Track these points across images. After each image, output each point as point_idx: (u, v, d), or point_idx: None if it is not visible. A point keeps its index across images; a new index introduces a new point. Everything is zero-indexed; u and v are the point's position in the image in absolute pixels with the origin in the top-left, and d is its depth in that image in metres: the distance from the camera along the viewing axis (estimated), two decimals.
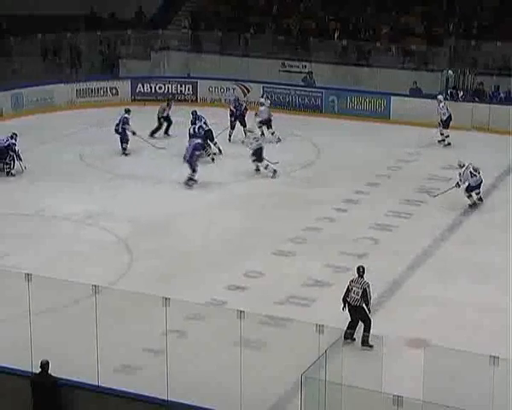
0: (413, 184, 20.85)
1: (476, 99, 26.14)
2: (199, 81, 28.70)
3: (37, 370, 11.24)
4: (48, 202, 19.41)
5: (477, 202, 19.13)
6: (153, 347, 12.65)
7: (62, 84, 27.74)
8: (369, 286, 13.17)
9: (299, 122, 26.11)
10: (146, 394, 11.23)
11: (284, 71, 29.18)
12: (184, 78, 28.92)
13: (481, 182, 19.03)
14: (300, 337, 11.59)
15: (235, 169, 21.90)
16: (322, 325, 11.08)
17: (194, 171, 20.50)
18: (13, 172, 21.29)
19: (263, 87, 27.77)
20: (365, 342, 13.09)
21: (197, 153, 20.70)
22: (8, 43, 28.27)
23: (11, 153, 21.25)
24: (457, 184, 18.95)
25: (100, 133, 24.58)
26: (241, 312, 11.06)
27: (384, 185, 20.93)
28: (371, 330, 13.10)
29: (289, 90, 27.84)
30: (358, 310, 13.15)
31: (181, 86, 28.63)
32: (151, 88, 28.75)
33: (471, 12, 29.24)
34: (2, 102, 26.58)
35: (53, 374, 11.21)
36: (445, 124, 23.90)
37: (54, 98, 27.26)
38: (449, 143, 23.85)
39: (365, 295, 13.14)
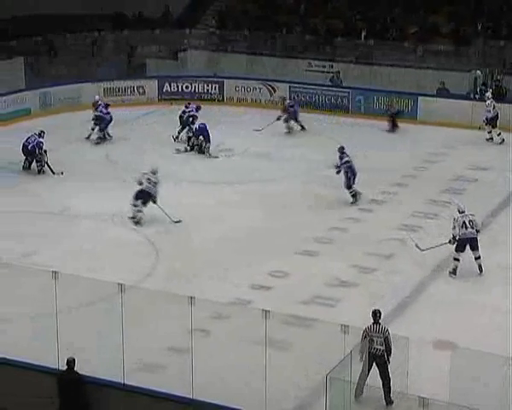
0: (439, 184, 20.74)
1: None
2: (225, 81, 28.72)
3: (64, 367, 11.31)
4: (73, 201, 19.52)
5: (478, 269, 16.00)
6: (177, 346, 12.68)
7: (90, 84, 27.89)
8: (389, 333, 11.79)
9: (325, 122, 26.06)
10: (171, 392, 11.26)
11: (311, 70, 29.13)
12: (211, 77, 28.98)
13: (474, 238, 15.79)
14: (325, 338, 11.58)
15: (261, 168, 21.91)
16: (347, 326, 11.06)
17: None
18: (44, 169, 21.45)
19: (289, 87, 27.75)
20: (388, 401, 11.58)
21: None
22: (37, 42, 28.50)
23: (38, 151, 21.40)
24: (452, 240, 15.81)
25: (125, 132, 24.69)
26: (266, 311, 11.05)
27: (410, 186, 20.85)
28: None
29: (316, 89, 27.79)
30: (382, 363, 11.70)
31: (207, 86, 28.68)
32: (178, 87, 28.82)
33: (499, 11, 29.03)
34: (31, 101, 26.78)
35: (79, 371, 11.28)
36: (490, 122, 23.86)
37: (81, 97, 27.41)
38: (503, 140, 23.72)
39: (387, 344, 11.73)
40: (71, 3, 31.81)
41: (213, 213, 18.88)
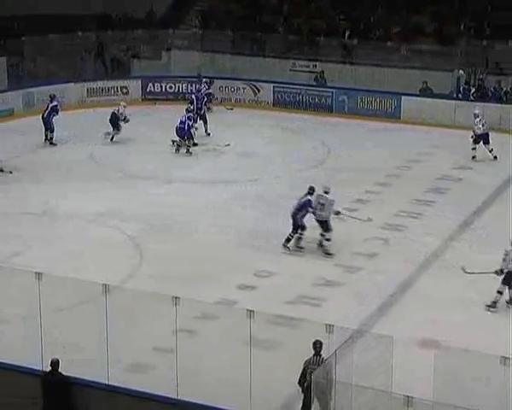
0: (423, 184, 20.82)
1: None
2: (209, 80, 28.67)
3: (48, 368, 11.27)
4: (57, 201, 19.45)
5: None
6: (163, 346, 12.65)
7: (73, 84, 27.81)
8: (332, 366, 10.90)
9: (309, 122, 26.09)
10: (156, 393, 11.24)
11: (294, 70, 29.17)
12: (195, 77, 28.96)
13: None
14: (310, 337, 11.56)
15: (247, 168, 21.91)
16: (333, 325, 11.06)
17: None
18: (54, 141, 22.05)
19: (273, 87, 27.79)
20: None
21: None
22: (21, 43, 28.37)
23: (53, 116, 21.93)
24: (500, 271, 14.73)
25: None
26: (250, 311, 11.05)
27: (394, 185, 20.92)
28: None
29: (300, 89, 27.84)
30: (323, 397, 10.93)
31: (191, 86, 28.67)
32: (161, 87, 28.80)
33: (482, 11, 29.16)
34: (14, 101, 26.67)
35: (63, 373, 11.23)
36: (478, 139, 22.60)
37: (64, 98, 27.31)
38: (495, 157, 22.53)
39: (329, 378, 10.85)
40: (54, 4, 31.65)
41: (199, 213, 18.88)
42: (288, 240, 16.98)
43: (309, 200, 16.86)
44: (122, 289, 13.43)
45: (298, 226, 16.94)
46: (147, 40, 30.90)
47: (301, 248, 17.02)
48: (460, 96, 26.67)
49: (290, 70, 29.19)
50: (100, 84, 28.38)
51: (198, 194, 20.19)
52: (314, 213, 16.86)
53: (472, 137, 22.70)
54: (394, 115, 26.59)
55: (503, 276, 14.63)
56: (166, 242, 17.34)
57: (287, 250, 16.94)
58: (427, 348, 12.55)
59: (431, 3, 30.03)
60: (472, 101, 26.03)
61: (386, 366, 11.44)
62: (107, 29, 30.62)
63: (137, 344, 13.07)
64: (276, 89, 27.75)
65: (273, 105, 27.68)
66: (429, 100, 26.34)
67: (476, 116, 22.62)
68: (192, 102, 24.47)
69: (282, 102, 27.21)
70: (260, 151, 23.00)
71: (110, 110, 24.56)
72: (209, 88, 26.77)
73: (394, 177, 21.53)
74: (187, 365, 11.60)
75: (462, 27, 28.91)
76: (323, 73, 28.45)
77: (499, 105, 25.64)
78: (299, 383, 11.21)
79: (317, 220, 16.94)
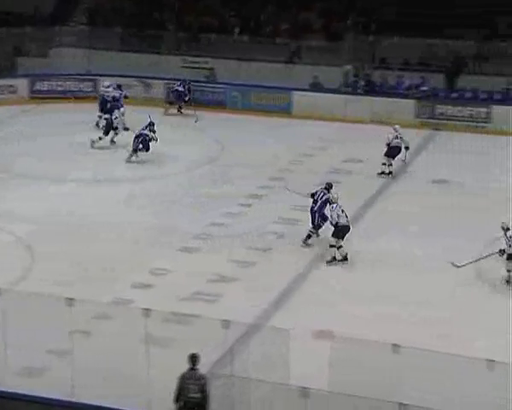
0: (315, 177, 21.06)
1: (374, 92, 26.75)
2: (99, 78, 28.31)
3: None
4: None
5: None
6: (57, 348, 12.42)
7: None
8: (207, 381, 10.74)
9: (202, 118, 26.08)
10: (51, 396, 11.05)
11: (186, 67, 29.09)
12: (84, 75, 28.52)
13: None
14: (207, 333, 11.58)
15: (140, 166, 21.73)
16: (229, 321, 11.12)
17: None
18: None
19: (164, 83, 27.65)
20: None
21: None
22: None
23: None
24: (502, 251, 15.49)
25: None
26: (146, 310, 10.99)
27: (287, 180, 21.11)
28: None
29: (192, 86, 27.75)
30: None
31: (81, 83, 28.22)
32: (50, 86, 28.25)
33: (369, 8, 29.74)
34: None
35: None
36: (390, 153, 21.40)
37: None
38: (390, 172, 21.28)
39: (204, 392, 10.70)
40: None
41: (93, 213, 18.62)
42: (308, 237, 17.05)
43: (328, 197, 17.01)
44: (13, 292, 13.12)
45: (317, 223, 17.01)
46: (34, 37, 30.22)
47: (308, 245, 17.04)
48: (349, 90, 27.19)
49: (182, 67, 29.11)
50: None
51: (91, 193, 19.91)
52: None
53: (384, 150, 21.43)
54: (286, 110, 26.85)
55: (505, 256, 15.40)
56: (59, 242, 17.03)
57: (306, 247, 16.97)
58: (322, 340, 12.67)
59: (319, 0, 30.47)
60: (360, 95, 26.56)
61: (283, 359, 11.58)
62: None
63: (31, 347, 12.78)
64: (167, 86, 27.62)
65: (167, 102, 27.55)
66: (319, 95, 26.73)
67: (396, 130, 21.63)
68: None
69: (175, 99, 27.04)
70: (154, 148, 22.84)
71: None
72: (184, 89, 26.47)
73: (287, 171, 21.74)
74: (83, 366, 11.43)
75: (349, 23, 29.43)
76: (213, 69, 28.53)
77: (386, 99, 26.24)
78: (176, 400, 10.78)
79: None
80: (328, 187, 17.46)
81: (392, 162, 21.33)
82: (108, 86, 25.05)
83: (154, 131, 21.78)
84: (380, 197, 19.92)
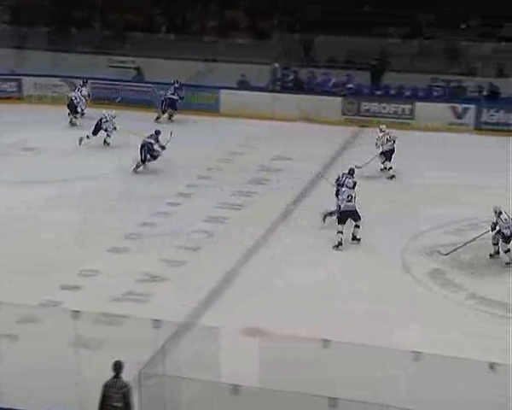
0: (244, 175, 21.22)
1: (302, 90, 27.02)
2: (23, 78, 27.93)
3: None
4: None
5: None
6: None
7: None
8: (129, 389, 10.62)
9: (130, 118, 25.92)
10: None
11: (112, 66, 28.90)
12: (8, 75, 28.08)
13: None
14: (137, 333, 11.56)
15: (68, 167, 21.55)
16: (159, 320, 11.11)
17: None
18: None
19: (91, 83, 27.41)
20: None
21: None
22: None
23: None
24: (494, 229, 16.43)
25: None
26: (75, 311, 10.91)
27: (216, 178, 21.19)
28: None
29: (118, 85, 27.61)
30: None
31: (5, 84, 27.79)
32: None
33: (294, 6, 29.98)
34: None
35: None
36: (386, 156, 21.30)
37: None
38: (393, 176, 21.22)
39: (126, 401, 10.54)
40: None
41: (19, 214, 18.38)
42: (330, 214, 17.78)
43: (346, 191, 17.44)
44: None
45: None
46: None
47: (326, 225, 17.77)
48: (277, 88, 27.40)
49: (108, 66, 28.90)
50: None
51: (18, 194, 19.63)
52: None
53: (381, 156, 21.34)
54: (214, 109, 26.90)
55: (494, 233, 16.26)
56: None
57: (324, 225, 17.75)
58: (253, 337, 12.74)
59: None
60: (289, 93, 26.78)
61: (214, 357, 11.65)
62: None
63: None
64: (93, 85, 27.39)
65: (92, 101, 27.33)
66: (247, 93, 26.87)
67: (381, 131, 21.56)
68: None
69: (101, 99, 26.87)
70: (82, 149, 22.68)
71: None
72: (174, 93, 26.10)
73: (216, 170, 21.80)
74: (10, 370, 11.28)
75: (274, 22, 29.64)
76: (139, 68, 28.41)
77: (313, 96, 26.51)
78: (99, 409, 10.59)
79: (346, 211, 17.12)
80: (352, 172, 17.99)
81: (392, 164, 21.23)
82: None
83: (158, 140, 21.40)
84: (309, 193, 20.13)
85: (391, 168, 21.31)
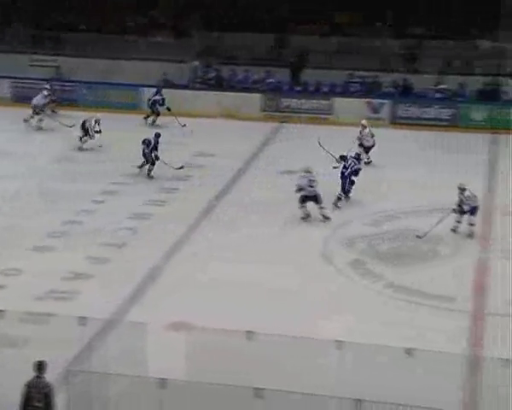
0: (167, 172, 21.30)
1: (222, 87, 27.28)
2: None
3: None
4: None
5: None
6: None
7: None
8: (51, 389, 10.38)
9: (58, 117, 25.73)
10: None
11: (34, 65, 28.60)
12: None
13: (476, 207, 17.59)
14: (63, 331, 11.60)
15: None
16: (85, 317, 11.18)
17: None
18: None
19: (11, 82, 27.12)
20: None
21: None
22: None
23: None
24: (458, 210, 17.49)
25: None
26: None
27: (140, 176, 21.23)
28: None
29: (40, 84, 27.34)
30: None
31: None
32: None
33: (211, 5, 30.10)
34: None
35: None
36: (367, 151, 21.87)
37: None
38: (370, 162, 21.79)
39: (48, 402, 10.30)
40: None
41: None
42: (338, 199, 18.86)
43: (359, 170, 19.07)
44: None
45: (347, 189, 18.95)
46: None
47: (339, 207, 18.84)
48: (197, 85, 27.58)
49: (30, 65, 28.60)
50: None
51: None
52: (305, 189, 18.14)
53: (363, 149, 21.74)
54: (136, 107, 26.90)
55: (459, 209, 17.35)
56: None
57: (337, 209, 18.75)
58: (178, 332, 12.87)
59: None
60: (209, 90, 26.96)
61: (142, 352, 11.77)
62: None
63: None
64: (13, 84, 27.07)
65: (14, 101, 27.07)
66: (169, 90, 26.91)
67: (364, 127, 21.98)
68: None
69: (22, 98, 26.58)
70: (8, 148, 22.50)
71: None
72: (156, 94, 25.74)
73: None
74: None
75: (194, 20, 29.75)
76: (59, 67, 28.22)
77: (234, 93, 26.79)
78: (21, 409, 10.43)
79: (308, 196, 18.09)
80: (357, 157, 19.40)
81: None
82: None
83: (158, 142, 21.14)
84: (231, 190, 20.36)
85: (371, 162, 21.91)
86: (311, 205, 18.27)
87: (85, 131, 23.15)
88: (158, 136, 21.09)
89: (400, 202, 19.15)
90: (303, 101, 26.71)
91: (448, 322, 13.86)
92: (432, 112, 25.96)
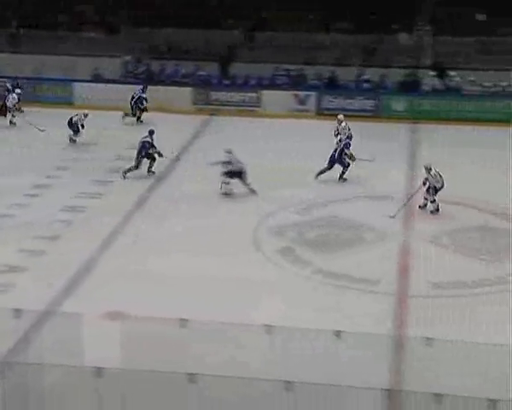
0: (101, 164, 21.41)
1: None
2: None
3: None
4: None
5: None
6: None
7: None
8: None
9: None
10: None
11: None
12: None
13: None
14: None
15: None
16: (20, 310, 11.28)
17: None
18: None
19: None
20: None
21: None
22: None
23: None
24: (425, 184, 18.35)
25: None
26: None
27: (73, 168, 21.28)
28: None
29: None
30: None
31: None
32: None
33: (143, 1, 30.18)
34: None
35: None
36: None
37: None
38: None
39: None
40: None
41: None
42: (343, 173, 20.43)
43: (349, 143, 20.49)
44: None
45: (333, 164, 20.27)
46: None
47: (345, 179, 20.40)
48: (128, 80, 27.71)
49: None
50: None
51: None
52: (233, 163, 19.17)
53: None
54: (68, 102, 26.91)
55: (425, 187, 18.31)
56: None
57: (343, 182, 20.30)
58: (113, 321, 12.91)
59: None
60: (140, 84, 27.06)
61: (77, 342, 11.89)
62: None
63: None
64: None
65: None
66: (101, 85, 27.06)
67: (340, 121, 22.00)
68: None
69: None
70: None
71: None
72: (143, 92, 25.57)
73: (72, 160, 21.87)
74: None
75: (123, 16, 29.81)
76: None
77: (165, 87, 26.98)
78: None
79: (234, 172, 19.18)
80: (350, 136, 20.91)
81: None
82: None
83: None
84: (163, 182, 20.57)
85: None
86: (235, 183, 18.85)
87: (74, 126, 23.15)
88: (152, 132, 21.01)
89: (328, 190, 19.67)
90: (232, 94, 27.12)
91: (374, 305, 14.34)
92: (356, 103, 26.59)
